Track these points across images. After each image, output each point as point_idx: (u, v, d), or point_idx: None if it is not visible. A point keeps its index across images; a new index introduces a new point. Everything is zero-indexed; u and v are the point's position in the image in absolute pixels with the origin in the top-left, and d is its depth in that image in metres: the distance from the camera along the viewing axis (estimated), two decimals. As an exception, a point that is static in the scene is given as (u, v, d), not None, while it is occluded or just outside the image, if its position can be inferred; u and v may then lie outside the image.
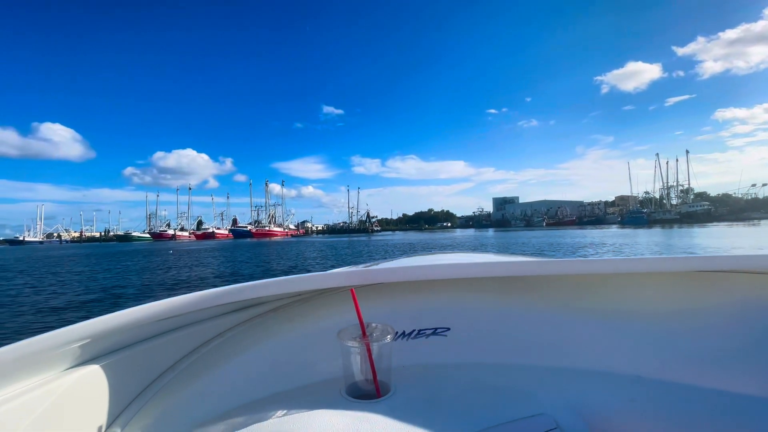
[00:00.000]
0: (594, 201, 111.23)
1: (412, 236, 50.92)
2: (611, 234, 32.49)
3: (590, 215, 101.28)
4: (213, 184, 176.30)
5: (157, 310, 0.66)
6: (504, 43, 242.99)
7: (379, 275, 0.90)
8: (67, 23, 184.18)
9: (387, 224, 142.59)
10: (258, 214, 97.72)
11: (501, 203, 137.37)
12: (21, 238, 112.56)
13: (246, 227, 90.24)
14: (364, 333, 0.72)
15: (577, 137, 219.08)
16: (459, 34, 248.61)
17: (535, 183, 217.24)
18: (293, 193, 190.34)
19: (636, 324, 0.88)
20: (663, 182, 79.59)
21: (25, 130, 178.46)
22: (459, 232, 69.97)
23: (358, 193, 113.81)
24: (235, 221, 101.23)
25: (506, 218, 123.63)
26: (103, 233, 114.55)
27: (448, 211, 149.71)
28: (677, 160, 78.54)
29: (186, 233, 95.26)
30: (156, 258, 20.10)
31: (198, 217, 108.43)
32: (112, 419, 0.66)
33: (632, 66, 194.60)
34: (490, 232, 64.35)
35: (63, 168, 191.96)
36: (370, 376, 0.72)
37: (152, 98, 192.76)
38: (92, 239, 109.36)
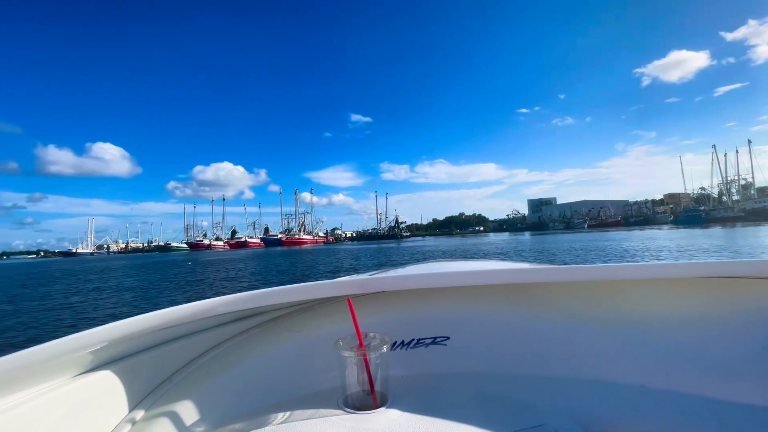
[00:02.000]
0: (640, 200, 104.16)
1: (443, 242, 48.93)
2: (669, 236, 29.10)
3: (637, 215, 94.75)
4: (249, 194, 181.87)
5: (160, 320, 0.66)
6: (534, 39, 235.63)
7: (376, 284, 0.88)
8: (114, 49, 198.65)
9: (417, 230, 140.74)
10: (288, 223, 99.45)
11: (537, 205, 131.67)
12: (74, 250, 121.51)
13: (276, 236, 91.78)
14: (361, 343, 0.71)
15: (616, 134, 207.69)
16: (486, 34, 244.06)
17: (572, 183, 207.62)
18: (324, 201, 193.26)
19: (641, 332, 0.85)
20: (722, 176, 72.63)
21: (79, 149, 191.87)
22: (492, 236, 67.00)
23: (387, 199, 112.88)
24: (266, 230, 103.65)
25: (543, 220, 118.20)
26: (145, 244, 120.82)
27: (480, 215, 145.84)
28: (737, 152, 71.54)
29: (221, 243, 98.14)
30: (174, 269, 19.82)
31: (232, 226, 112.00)
32: (117, 424, 0.67)
33: (676, 55, 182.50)
34: (526, 235, 60.93)
35: (113, 184, 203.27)
36: (368, 387, 0.70)
37: (192, 115, 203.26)
38: (136, 250, 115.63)
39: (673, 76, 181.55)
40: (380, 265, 16.41)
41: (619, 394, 0.79)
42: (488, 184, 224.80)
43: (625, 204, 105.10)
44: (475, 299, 0.95)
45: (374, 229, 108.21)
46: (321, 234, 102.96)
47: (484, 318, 0.93)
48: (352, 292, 0.83)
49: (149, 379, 0.76)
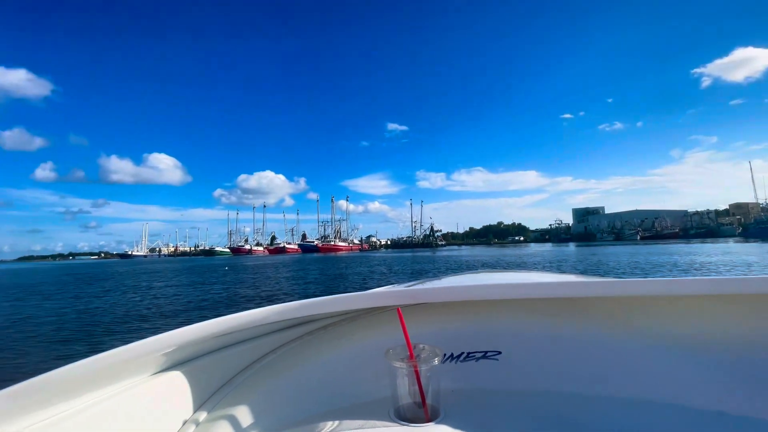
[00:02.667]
0: (701, 210, 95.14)
1: (480, 251, 46.86)
2: (745, 249, 25.73)
3: (698, 226, 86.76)
4: (289, 202, 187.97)
5: (221, 326, 0.70)
6: (578, 40, 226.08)
7: (425, 295, 0.87)
8: (167, 65, 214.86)
9: (453, 238, 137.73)
10: (324, 230, 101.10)
11: (583, 214, 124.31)
12: (129, 253, 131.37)
13: (313, 242, 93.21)
14: (411, 354, 0.70)
15: (671, 139, 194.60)
16: (526, 37, 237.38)
17: (622, 192, 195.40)
18: (360, 209, 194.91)
19: (716, 353, 0.77)
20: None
21: (138, 159, 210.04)
22: (534, 247, 63.54)
23: (422, 206, 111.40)
24: (303, 236, 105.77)
25: (590, 231, 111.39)
26: (192, 248, 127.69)
27: (520, 224, 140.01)
28: (820, 157, 63.09)
29: (261, 248, 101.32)
30: (211, 274, 20.02)
31: (272, 232, 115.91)
32: (184, 423, 0.72)
33: (741, 53, 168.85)
34: (571, 246, 56.96)
35: (167, 191, 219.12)
36: (419, 399, 0.69)
37: (238, 127, 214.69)
38: (184, 253, 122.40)
39: (737, 76, 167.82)
40: (413, 275, 15.49)
41: (693, 421, 0.71)
42: (529, 193, 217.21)
43: (683, 214, 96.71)
44: (528, 313, 0.90)
45: (409, 237, 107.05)
46: (356, 241, 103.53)
47: (539, 333, 0.89)
48: (401, 303, 0.82)
49: (212, 380, 0.81)
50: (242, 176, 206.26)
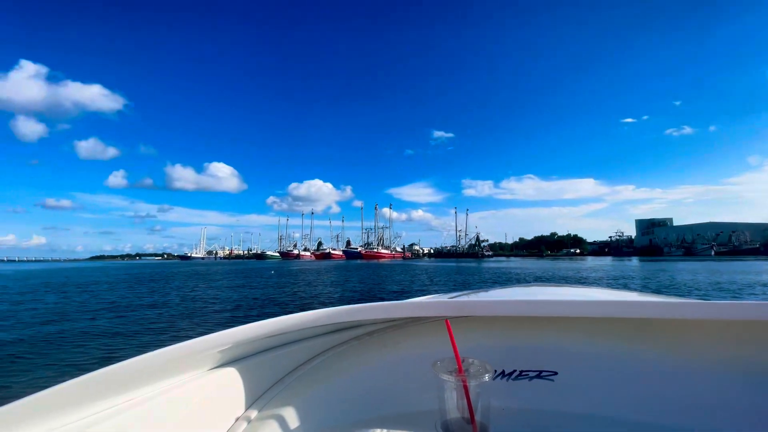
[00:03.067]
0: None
1: (531, 264, 44.06)
2: None
3: (787, 242, 75.36)
4: (335, 209, 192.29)
5: (274, 327, 0.73)
6: (639, 38, 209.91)
7: (475, 308, 0.81)
8: (223, 80, 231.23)
9: (500, 249, 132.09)
10: (368, 237, 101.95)
11: (647, 226, 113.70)
12: (189, 255, 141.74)
13: (357, 249, 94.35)
14: (460, 368, 0.67)
15: (749, 145, 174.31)
16: (583, 36, 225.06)
17: (692, 202, 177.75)
18: (403, 216, 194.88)
19: None
20: None
21: (199, 168, 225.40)
22: (591, 260, 58.70)
23: (467, 215, 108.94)
24: (348, 243, 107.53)
25: (656, 244, 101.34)
26: (245, 252, 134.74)
27: (575, 236, 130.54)
28: None
29: (308, 253, 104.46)
30: (257, 278, 20.49)
31: (318, 238, 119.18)
32: (236, 418, 0.75)
33: None
34: (634, 261, 51.69)
35: (224, 198, 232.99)
36: (468, 415, 0.66)
37: (291, 137, 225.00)
38: (238, 257, 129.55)
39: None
40: (456, 288, 14.61)
41: None
42: (585, 202, 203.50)
43: (764, 228, 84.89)
44: (589, 332, 0.85)
45: (453, 246, 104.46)
46: (398, 249, 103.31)
47: (601, 354, 0.83)
48: (448, 314, 0.79)
49: (263, 379, 0.83)
50: (293, 184, 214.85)
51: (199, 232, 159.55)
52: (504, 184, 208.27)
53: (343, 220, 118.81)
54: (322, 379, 0.88)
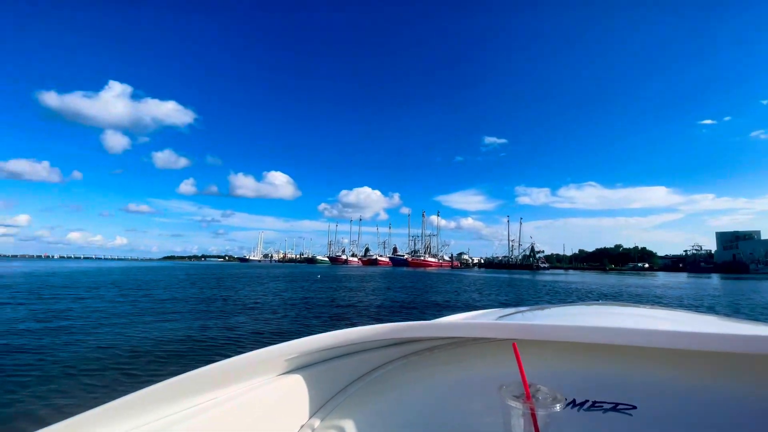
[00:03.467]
0: None
1: (593, 278, 40.40)
2: None
3: None
4: (383, 216, 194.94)
5: (337, 339, 0.76)
6: (717, 32, 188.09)
7: (545, 332, 0.75)
8: (278, 92, 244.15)
9: (557, 261, 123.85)
10: (414, 244, 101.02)
11: (730, 240, 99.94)
12: (247, 257, 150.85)
13: (403, 256, 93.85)
14: (528, 394, 0.62)
15: None
16: (651, 29, 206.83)
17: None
18: (452, 224, 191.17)
19: None
20: None
21: (258, 176, 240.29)
22: (662, 277, 52.54)
23: (521, 224, 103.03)
24: (395, 250, 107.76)
25: (740, 260, 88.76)
26: (298, 256, 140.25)
27: (644, 249, 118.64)
28: None
29: (355, 259, 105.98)
30: (304, 281, 20.75)
31: (366, 244, 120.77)
32: (302, 424, 0.77)
33: None
34: (714, 278, 45.01)
35: (280, 204, 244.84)
36: None
37: (343, 146, 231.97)
38: (291, 260, 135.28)
39: None
40: (509, 303, 13.48)
41: None
42: (656, 212, 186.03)
43: None
44: (675, 363, 0.76)
45: (505, 256, 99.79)
46: (446, 258, 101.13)
47: (688, 389, 0.74)
48: (515, 336, 0.74)
49: (326, 388, 0.85)
50: (343, 191, 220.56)
51: (257, 236, 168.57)
52: (562, 191, 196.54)
53: (390, 227, 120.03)
54: (382, 392, 0.88)
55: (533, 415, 0.59)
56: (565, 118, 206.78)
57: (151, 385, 0.57)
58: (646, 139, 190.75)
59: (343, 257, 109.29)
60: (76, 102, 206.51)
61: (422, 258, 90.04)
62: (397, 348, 0.92)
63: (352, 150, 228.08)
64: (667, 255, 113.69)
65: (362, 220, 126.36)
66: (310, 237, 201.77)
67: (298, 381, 0.78)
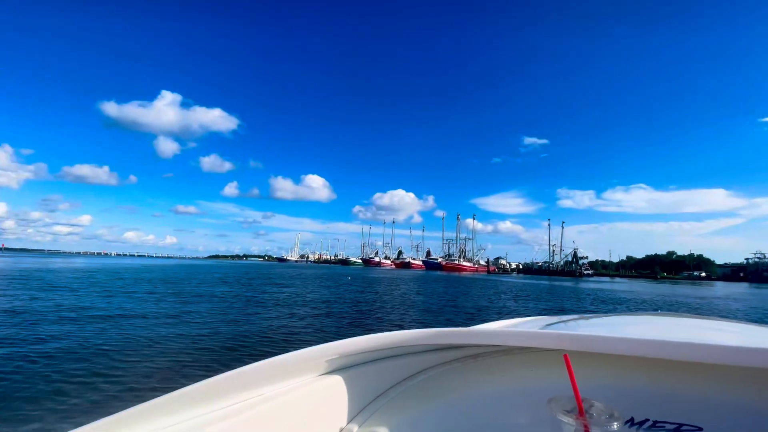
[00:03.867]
0: None
1: (642, 287, 37.61)
2: None
3: None
4: (417, 219, 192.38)
5: (376, 342, 0.75)
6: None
7: (602, 344, 0.68)
8: (319, 101, 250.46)
9: (603, 268, 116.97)
10: (449, 248, 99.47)
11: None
12: (285, 257, 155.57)
13: (437, 260, 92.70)
14: (581, 409, 0.58)
15: None
16: (705, 24, 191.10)
17: None
18: (489, 228, 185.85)
19: None
20: None
21: (297, 179, 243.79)
22: (721, 287, 48.05)
23: (562, 228, 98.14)
24: (428, 253, 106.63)
25: (817, 272, 79.30)
26: (332, 257, 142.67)
27: (700, 256, 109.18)
28: None
29: (388, 261, 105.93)
30: (332, 281, 20.82)
31: (399, 247, 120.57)
32: (344, 424, 0.78)
33: None
34: (786, 291, 40.68)
35: (316, 207, 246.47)
36: None
37: (377, 149, 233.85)
38: (326, 261, 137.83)
39: None
40: (546, 311, 12.65)
41: None
42: (713, 216, 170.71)
43: None
44: (746, 382, 0.70)
45: (546, 262, 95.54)
46: (482, 262, 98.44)
47: (763, 412, 0.68)
48: (567, 347, 0.69)
49: (367, 390, 0.85)
50: (377, 194, 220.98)
51: (295, 238, 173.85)
52: (608, 194, 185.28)
53: (423, 230, 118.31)
54: (424, 397, 0.86)
55: None
56: (611, 116, 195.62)
57: (194, 383, 0.59)
58: (702, 137, 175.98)
59: (376, 259, 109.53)
60: (133, 111, 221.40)
61: (457, 262, 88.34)
62: (439, 353, 0.89)
63: (386, 152, 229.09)
64: (726, 263, 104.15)
65: (396, 222, 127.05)
66: (345, 239, 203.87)
67: (339, 382, 0.77)
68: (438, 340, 0.77)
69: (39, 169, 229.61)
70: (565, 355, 0.62)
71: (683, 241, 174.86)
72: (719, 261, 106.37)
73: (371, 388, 0.85)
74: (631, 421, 0.72)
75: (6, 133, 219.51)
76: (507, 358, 0.88)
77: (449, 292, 18.76)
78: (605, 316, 1.35)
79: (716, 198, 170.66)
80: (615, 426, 0.55)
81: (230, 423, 0.58)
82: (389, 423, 0.80)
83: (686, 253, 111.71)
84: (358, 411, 0.81)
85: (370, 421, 0.80)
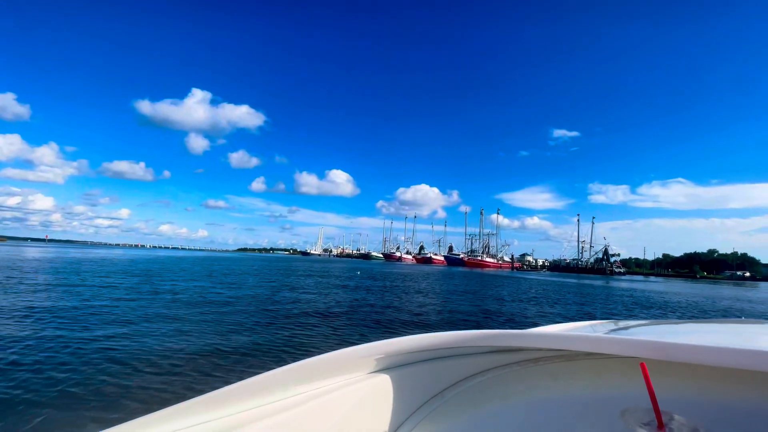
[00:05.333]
0: None
1: (680, 287, 34.54)
2: None
3: None
4: (441, 214, 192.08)
5: (429, 341, 0.74)
6: None
7: (681, 353, 0.61)
8: (343, 97, 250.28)
9: (636, 266, 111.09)
10: (472, 243, 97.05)
11: None
12: (308, 252, 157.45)
13: (459, 255, 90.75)
14: (660, 423, 0.54)
15: None
16: (746, 11, 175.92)
17: None
18: (516, 224, 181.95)
19: None
20: None
21: (321, 175, 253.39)
22: (767, 288, 43.93)
23: (593, 224, 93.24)
24: (450, 249, 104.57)
25: None
26: (355, 251, 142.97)
27: (744, 255, 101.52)
28: None
29: (410, 256, 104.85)
30: (337, 278, 20.05)
31: (420, 242, 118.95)
32: (397, 424, 0.77)
33: None
34: None
35: (340, 201, 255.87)
36: None
37: (401, 144, 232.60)
38: (348, 255, 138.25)
39: None
40: (564, 316, 11.28)
41: None
42: (760, 213, 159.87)
43: None
44: None
45: (574, 259, 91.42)
46: (506, 258, 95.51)
47: None
48: (643, 355, 0.62)
49: (421, 390, 0.84)
50: (400, 189, 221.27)
51: (318, 232, 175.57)
52: (644, 189, 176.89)
53: (445, 225, 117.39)
54: (481, 400, 0.83)
55: None
56: (647, 107, 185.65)
57: (242, 379, 0.61)
58: (746, 129, 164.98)
59: (397, 254, 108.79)
60: (165, 109, 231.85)
61: (479, 258, 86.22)
62: (497, 356, 0.86)
63: (410, 147, 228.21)
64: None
65: (420, 218, 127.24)
66: (367, 233, 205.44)
67: (393, 380, 0.76)
68: (496, 342, 0.74)
69: (82, 165, 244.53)
70: (642, 364, 0.57)
71: (726, 239, 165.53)
72: (765, 260, 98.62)
73: (425, 389, 0.83)
74: None
75: (52, 131, 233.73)
76: (571, 364, 0.82)
77: (459, 290, 17.53)
78: (680, 323, 1.23)
79: (762, 193, 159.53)
80: None
81: (278, 419, 0.59)
82: (446, 424, 0.77)
83: (729, 252, 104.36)
84: (414, 410, 0.80)
85: (426, 421, 0.78)
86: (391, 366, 0.78)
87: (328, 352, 0.69)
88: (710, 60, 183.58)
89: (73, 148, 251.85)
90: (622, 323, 1.13)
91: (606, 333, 0.84)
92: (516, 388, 0.83)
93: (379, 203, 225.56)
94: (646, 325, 1.11)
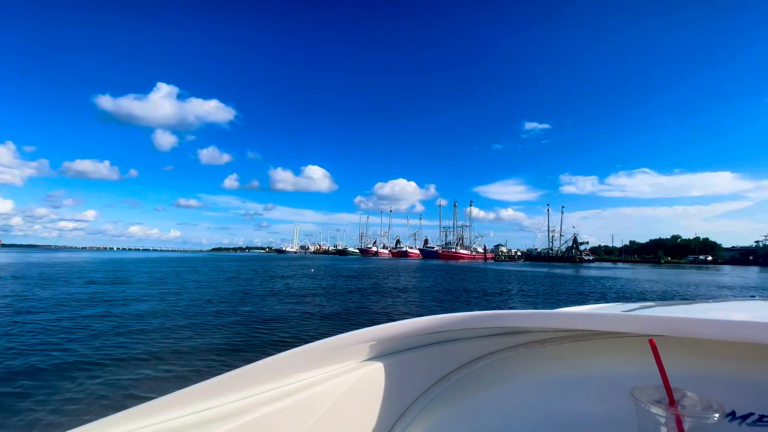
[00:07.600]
0: None
1: (646, 273, 35.20)
2: None
3: None
4: (419, 208, 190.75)
5: (432, 324, 0.72)
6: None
7: (690, 327, 0.59)
8: (318, 92, 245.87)
9: (606, 253, 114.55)
10: (446, 236, 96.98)
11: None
12: (284, 249, 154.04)
13: (434, 248, 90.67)
14: (671, 399, 0.53)
15: None
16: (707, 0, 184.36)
17: None
18: (491, 216, 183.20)
19: None
20: None
21: (297, 171, 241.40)
22: (730, 271, 45.52)
23: (562, 213, 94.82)
24: (425, 242, 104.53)
25: (828, 254, 76.50)
26: (331, 248, 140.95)
27: (706, 240, 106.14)
28: None
29: (386, 251, 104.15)
30: (285, 277, 18.52)
31: (397, 236, 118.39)
32: (395, 414, 0.75)
33: None
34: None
35: (318, 198, 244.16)
36: None
37: (378, 138, 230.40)
38: (325, 252, 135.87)
39: None
40: (524, 302, 10.34)
41: None
42: (719, 200, 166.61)
43: None
44: None
45: (546, 249, 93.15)
46: (479, 249, 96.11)
47: None
48: (651, 332, 0.61)
49: (426, 374, 0.82)
50: (378, 184, 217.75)
51: (295, 228, 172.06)
52: (611, 179, 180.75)
53: (420, 218, 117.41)
54: (487, 383, 0.82)
55: (679, 424, 0.50)
56: (614, 100, 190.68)
57: (238, 368, 0.59)
58: (707, 120, 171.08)
59: (374, 249, 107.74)
60: (129, 104, 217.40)
61: (454, 250, 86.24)
62: (503, 338, 0.84)
63: (387, 142, 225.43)
64: (733, 247, 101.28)
65: (399, 212, 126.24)
66: (345, 229, 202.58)
67: (395, 366, 0.75)
68: (501, 323, 0.72)
69: (42, 166, 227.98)
70: (650, 340, 0.56)
71: (688, 225, 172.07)
72: (726, 245, 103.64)
73: (431, 372, 0.82)
74: (732, 415, 0.63)
75: (7, 130, 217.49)
76: (579, 344, 0.81)
77: (422, 284, 16.45)
78: (690, 303, 1.19)
79: (722, 181, 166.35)
80: (715, 417, 0.50)
81: (275, 407, 0.58)
82: (453, 408, 0.76)
83: (691, 237, 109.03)
84: (419, 394, 0.78)
85: (433, 405, 0.77)
86: (394, 351, 0.76)
87: (325, 338, 0.67)
88: (668, 53, 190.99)
89: (31, 147, 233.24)
90: (630, 305, 1.09)
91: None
92: (523, 370, 0.82)
93: (357, 198, 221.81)
94: (655, 306, 1.09)
